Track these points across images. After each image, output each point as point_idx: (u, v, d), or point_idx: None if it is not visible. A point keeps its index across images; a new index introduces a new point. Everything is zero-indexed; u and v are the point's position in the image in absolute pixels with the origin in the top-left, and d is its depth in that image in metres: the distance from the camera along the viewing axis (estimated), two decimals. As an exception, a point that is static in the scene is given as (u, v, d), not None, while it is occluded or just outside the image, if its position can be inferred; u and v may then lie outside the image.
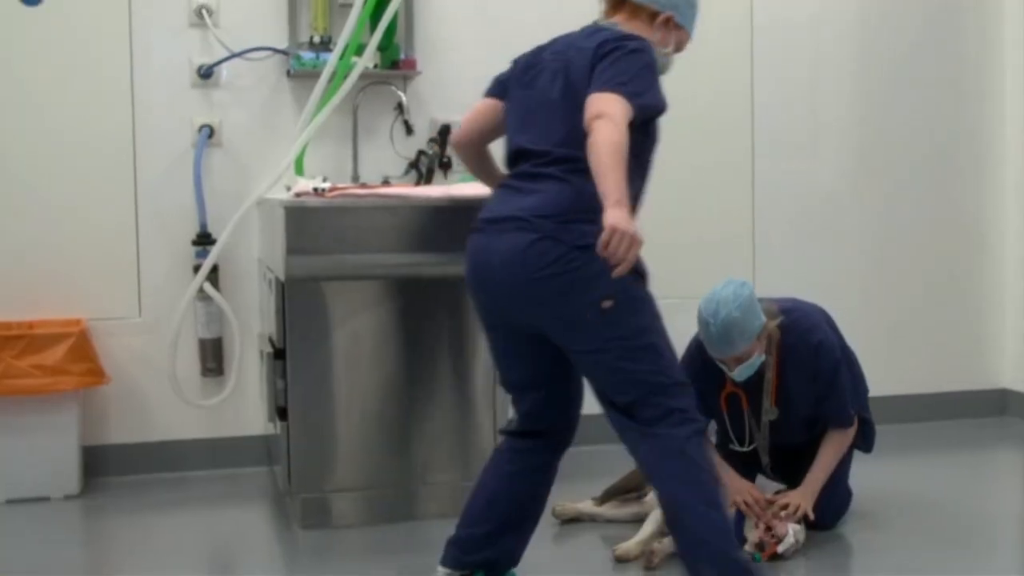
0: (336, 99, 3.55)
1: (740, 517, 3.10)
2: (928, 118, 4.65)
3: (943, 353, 4.71)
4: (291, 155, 3.59)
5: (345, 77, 3.58)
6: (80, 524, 3.54)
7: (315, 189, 3.27)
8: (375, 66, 3.89)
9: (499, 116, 2.68)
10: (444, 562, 2.67)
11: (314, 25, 3.92)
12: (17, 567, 3.05)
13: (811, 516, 3.10)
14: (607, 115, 2.31)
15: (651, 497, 3.27)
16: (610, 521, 3.32)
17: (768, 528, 3.01)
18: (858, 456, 3.34)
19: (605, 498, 3.36)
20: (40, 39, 3.79)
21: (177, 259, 3.91)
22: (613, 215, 2.18)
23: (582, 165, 2.32)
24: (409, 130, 4.04)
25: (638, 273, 2.43)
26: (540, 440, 2.65)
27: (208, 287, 3.76)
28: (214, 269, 3.77)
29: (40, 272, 3.82)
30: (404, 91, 4.00)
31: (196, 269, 3.75)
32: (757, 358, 3.07)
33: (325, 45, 3.88)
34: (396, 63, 3.96)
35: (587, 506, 3.35)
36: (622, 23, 2.60)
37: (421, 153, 4.06)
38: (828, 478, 3.19)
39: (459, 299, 3.36)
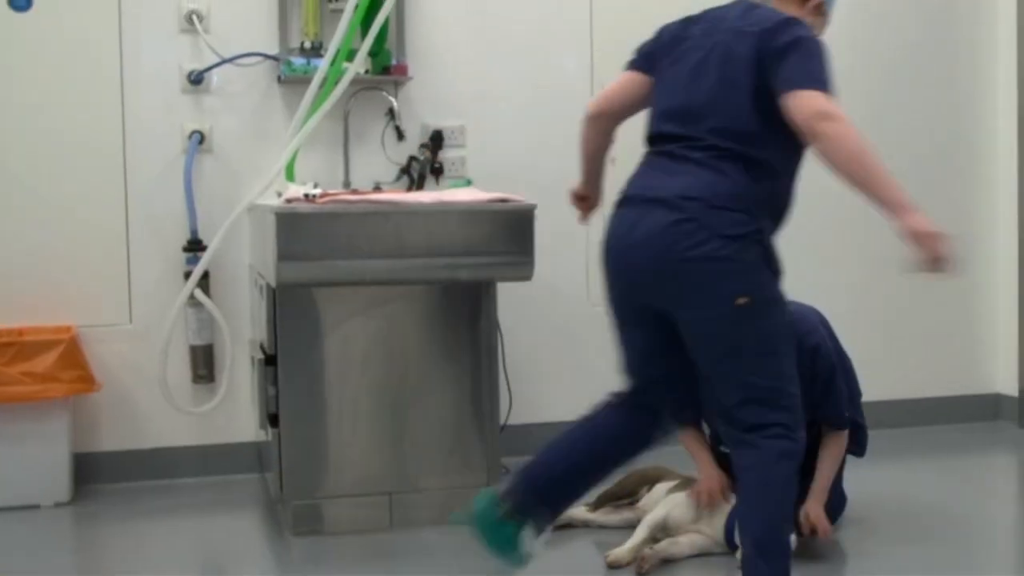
0: (327, 105, 3.55)
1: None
2: (927, 119, 4.63)
3: (936, 357, 4.70)
4: (282, 161, 3.59)
5: (336, 83, 3.58)
6: (71, 532, 3.52)
7: (306, 195, 3.26)
8: (366, 72, 3.88)
9: (644, 91, 2.57)
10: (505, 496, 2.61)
11: (305, 31, 3.91)
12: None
13: (828, 528, 3.09)
14: (833, 117, 2.27)
15: (643, 503, 3.27)
16: (603, 527, 3.31)
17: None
18: (851, 460, 3.33)
19: (598, 504, 3.35)
20: (30, 45, 3.77)
21: (168, 265, 3.90)
22: (907, 221, 2.19)
23: (736, 153, 2.29)
24: (400, 136, 4.03)
25: (773, 271, 2.39)
26: (648, 413, 2.61)
27: (199, 294, 3.75)
28: (205, 275, 3.76)
29: (30, 278, 3.80)
30: (395, 97, 3.99)
31: (187, 275, 3.75)
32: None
33: (316, 51, 3.87)
34: (387, 68, 3.95)
35: (580, 512, 3.34)
36: (776, 3, 2.51)
37: (412, 159, 4.05)
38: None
39: (451, 305, 3.36)
